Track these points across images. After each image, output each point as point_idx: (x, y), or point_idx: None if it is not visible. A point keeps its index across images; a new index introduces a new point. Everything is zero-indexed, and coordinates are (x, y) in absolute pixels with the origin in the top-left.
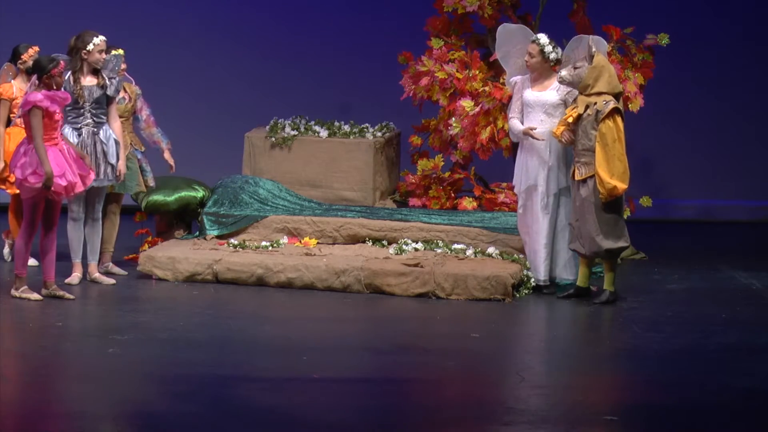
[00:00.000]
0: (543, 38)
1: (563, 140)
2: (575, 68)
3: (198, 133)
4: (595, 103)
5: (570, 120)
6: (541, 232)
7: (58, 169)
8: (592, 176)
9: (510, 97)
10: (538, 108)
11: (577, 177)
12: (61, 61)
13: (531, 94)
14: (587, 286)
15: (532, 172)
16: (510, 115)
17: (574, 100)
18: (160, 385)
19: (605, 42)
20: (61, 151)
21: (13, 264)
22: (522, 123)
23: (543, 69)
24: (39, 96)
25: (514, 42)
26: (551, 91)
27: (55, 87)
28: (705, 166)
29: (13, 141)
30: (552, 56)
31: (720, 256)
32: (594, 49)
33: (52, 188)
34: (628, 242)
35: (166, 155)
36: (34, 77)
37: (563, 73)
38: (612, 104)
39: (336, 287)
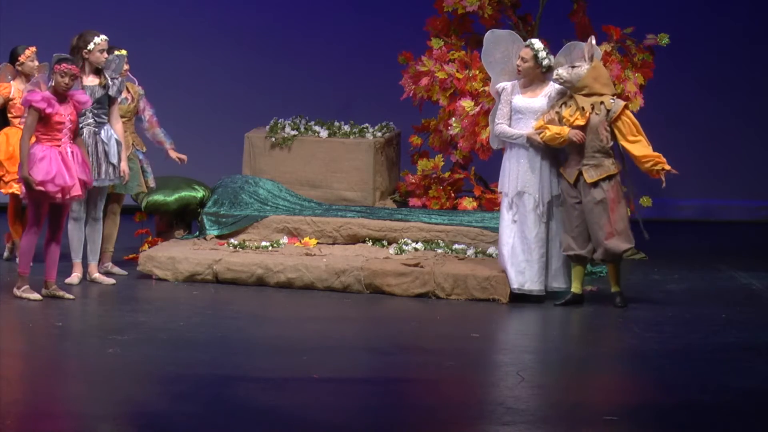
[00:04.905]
0: (537, 43)
1: (576, 139)
2: (573, 67)
3: (198, 133)
4: (602, 103)
5: (580, 123)
6: (537, 242)
7: (49, 170)
8: (605, 178)
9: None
10: (529, 114)
11: (588, 180)
12: (71, 66)
13: (521, 101)
14: (581, 292)
15: (522, 178)
16: (497, 121)
17: (564, 102)
18: (160, 385)
19: (599, 50)
20: (61, 154)
21: (11, 264)
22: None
23: (534, 75)
24: (37, 97)
25: (500, 47)
26: (542, 98)
27: (61, 84)
28: (705, 166)
29: (11, 142)
30: (545, 62)
31: (720, 256)
32: (594, 51)
33: (46, 191)
34: (633, 242)
35: (172, 154)
36: (37, 76)
37: (561, 71)
38: (621, 102)
39: (336, 287)
